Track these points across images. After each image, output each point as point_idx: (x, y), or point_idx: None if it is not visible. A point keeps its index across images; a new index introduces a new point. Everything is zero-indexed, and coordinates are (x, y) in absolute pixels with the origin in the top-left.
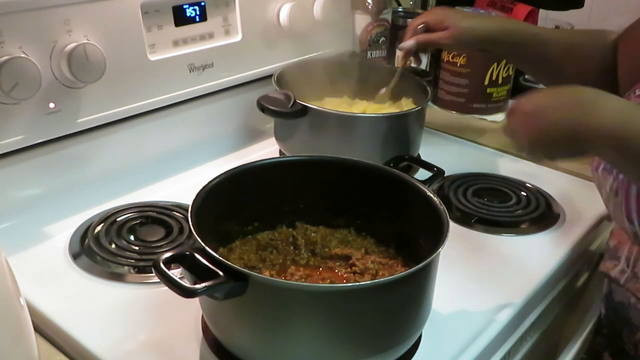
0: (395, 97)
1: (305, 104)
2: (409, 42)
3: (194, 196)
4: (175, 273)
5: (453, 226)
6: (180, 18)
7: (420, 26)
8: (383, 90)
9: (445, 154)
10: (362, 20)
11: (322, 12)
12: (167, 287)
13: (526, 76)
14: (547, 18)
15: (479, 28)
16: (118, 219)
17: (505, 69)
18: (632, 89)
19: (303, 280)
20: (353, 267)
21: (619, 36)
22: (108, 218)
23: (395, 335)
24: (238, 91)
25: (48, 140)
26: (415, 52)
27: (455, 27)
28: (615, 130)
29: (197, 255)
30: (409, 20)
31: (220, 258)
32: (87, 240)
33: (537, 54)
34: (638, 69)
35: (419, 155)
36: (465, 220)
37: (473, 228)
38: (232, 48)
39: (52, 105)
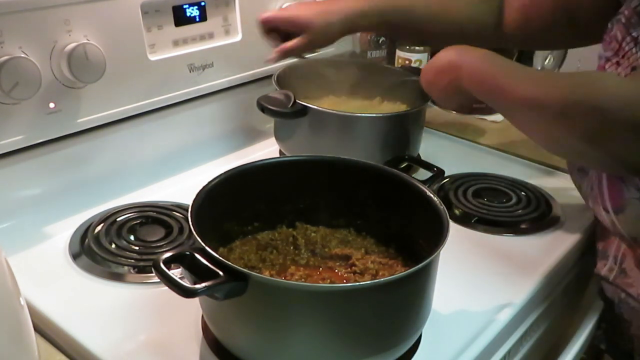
0: (391, 98)
1: (305, 104)
2: (271, 57)
3: (194, 196)
4: (175, 273)
5: (453, 226)
6: (180, 18)
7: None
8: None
9: (445, 154)
10: None
11: None
12: (167, 287)
13: None
14: None
15: (334, 21)
16: (118, 219)
17: None
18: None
19: (303, 280)
20: (353, 267)
21: None
22: (108, 218)
23: (395, 335)
24: (238, 91)
25: (48, 140)
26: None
27: (310, 29)
28: (475, 69)
29: (197, 255)
30: None
31: (220, 258)
32: (87, 240)
33: (402, 26)
34: (533, 7)
35: (419, 155)
36: (465, 220)
37: (473, 228)
38: (232, 48)
39: (52, 105)
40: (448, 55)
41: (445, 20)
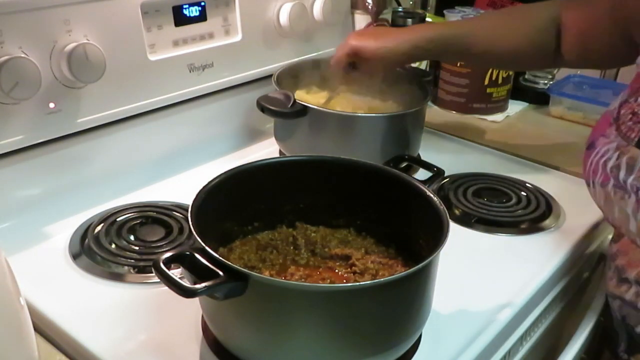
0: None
1: (305, 104)
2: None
3: (194, 196)
4: (175, 273)
5: (453, 226)
6: (180, 18)
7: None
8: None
9: (445, 154)
10: (362, 20)
11: (322, 12)
12: (167, 287)
13: (526, 76)
14: None
15: (396, 51)
16: (118, 219)
17: None
18: (635, 95)
19: (303, 280)
20: (353, 267)
21: (561, 6)
22: (108, 218)
23: (395, 335)
24: (238, 91)
25: (48, 140)
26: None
27: (373, 60)
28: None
29: (197, 255)
30: (409, 20)
31: (220, 258)
32: (87, 240)
33: (462, 54)
34: (591, 31)
35: (419, 155)
36: (465, 220)
37: (473, 228)
38: (232, 48)
39: (52, 105)
40: None
41: (503, 47)
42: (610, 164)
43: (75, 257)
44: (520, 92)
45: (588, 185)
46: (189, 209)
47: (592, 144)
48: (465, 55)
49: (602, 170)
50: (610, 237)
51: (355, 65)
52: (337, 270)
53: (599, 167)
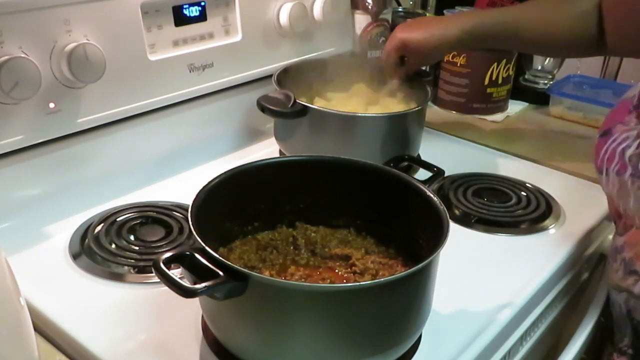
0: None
1: (305, 104)
2: (394, 84)
3: (194, 196)
4: (175, 273)
5: (453, 226)
6: (180, 18)
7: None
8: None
9: (445, 154)
10: (362, 20)
11: (322, 12)
12: (167, 287)
13: (526, 76)
14: None
15: (440, 43)
16: (118, 219)
17: (505, 68)
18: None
19: (303, 280)
20: (353, 267)
21: None
22: (108, 218)
23: (395, 335)
24: (238, 91)
25: (48, 140)
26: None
27: (418, 53)
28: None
29: (197, 255)
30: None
31: (220, 258)
32: (87, 240)
33: (508, 41)
34: (629, 17)
35: (419, 155)
36: (465, 220)
37: (473, 228)
38: (232, 48)
39: (52, 105)
40: None
41: (547, 35)
42: (629, 152)
43: (75, 257)
44: (520, 92)
45: (600, 173)
46: (189, 209)
47: (608, 131)
48: (513, 41)
49: (619, 158)
50: (610, 236)
51: (403, 59)
52: (337, 270)
53: (616, 154)
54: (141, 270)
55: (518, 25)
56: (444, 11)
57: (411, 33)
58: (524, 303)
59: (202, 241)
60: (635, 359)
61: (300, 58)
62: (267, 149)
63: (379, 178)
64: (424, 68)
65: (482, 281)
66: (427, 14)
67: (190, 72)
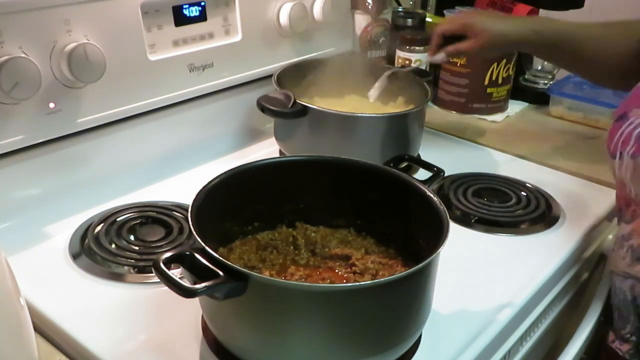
0: (390, 96)
1: (305, 104)
2: (439, 56)
3: (194, 196)
4: (175, 273)
5: (453, 226)
6: (180, 18)
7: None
8: (372, 92)
9: (445, 154)
10: (362, 20)
11: (322, 12)
12: (167, 287)
13: (526, 76)
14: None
15: (508, 32)
16: (118, 219)
17: (505, 68)
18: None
19: (303, 280)
20: (353, 267)
21: None
22: (108, 218)
23: (395, 335)
24: (238, 91)
25: (48, 140)
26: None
27: (484, 34)
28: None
29: (197, 255)
30: (409, 20)
31: (220, 258)
32: (87, 240)
33: (569, 52)
34: None
35: (419, 155)
36: (465, 220)
37: (473, 228)
38: (232, 48)
39: (52, 105)
40: None
41: (606, 53)
42: None
43: (75, 257)
44: (520, 92)
45: (614, 157)
46: (189, 209)
47: (624, 115)
48: (572, 54)
49: (635, 142)
50: (610, 236)
51: (452, 40)
52: (337, 270)
53: (632, 138)
54: (141, 270)
55: (582, 39)
56: (444, 11)
57: (477, 18)
58: (524, 303)
59: (202, 241)
60: None
61: (300, 58)
62: (267, 149)
63: (379, 178)
64: (423, 68)
65: (482, 281)
66: (427, 14)
67: (190, 72)
